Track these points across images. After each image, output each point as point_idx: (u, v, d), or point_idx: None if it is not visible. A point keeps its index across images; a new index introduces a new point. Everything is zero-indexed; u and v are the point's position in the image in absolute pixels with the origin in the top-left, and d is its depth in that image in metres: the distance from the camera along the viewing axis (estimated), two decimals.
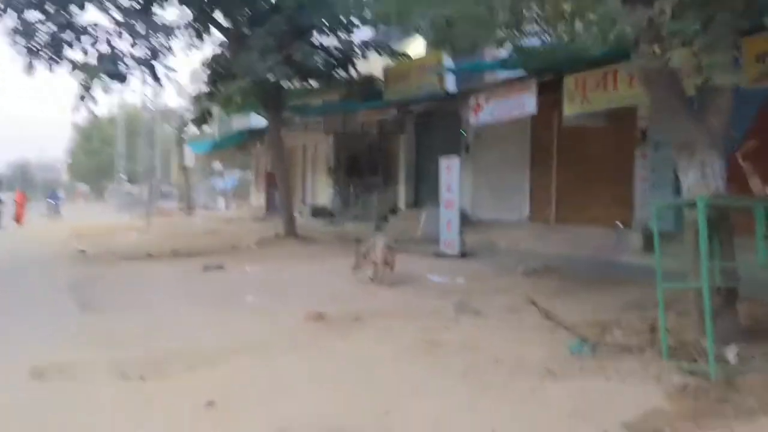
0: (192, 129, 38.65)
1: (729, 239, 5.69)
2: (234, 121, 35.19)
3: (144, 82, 16.18)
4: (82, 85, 13.85)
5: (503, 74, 13.57)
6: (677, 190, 11.67)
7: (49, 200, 32.99)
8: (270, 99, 16.40)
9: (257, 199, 34.42)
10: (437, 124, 18.85)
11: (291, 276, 11.15)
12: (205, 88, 18.99)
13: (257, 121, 30.13)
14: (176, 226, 23.64)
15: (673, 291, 8.52)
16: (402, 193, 20.45)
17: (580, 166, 13.79)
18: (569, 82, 11.11)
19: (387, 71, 16.88)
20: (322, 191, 26.03)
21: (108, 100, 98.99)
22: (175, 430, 4.18)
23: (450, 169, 13.45)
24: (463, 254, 13.04)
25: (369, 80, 17.83)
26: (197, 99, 19.44)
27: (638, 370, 5.18)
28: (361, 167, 22.65)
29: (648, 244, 11.59)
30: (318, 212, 24.45)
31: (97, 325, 7.32)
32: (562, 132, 14.18)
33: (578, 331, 6.17)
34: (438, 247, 13.53)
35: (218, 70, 17.50)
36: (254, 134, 28.26)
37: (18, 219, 27.48)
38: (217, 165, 43.91)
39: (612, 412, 4.31)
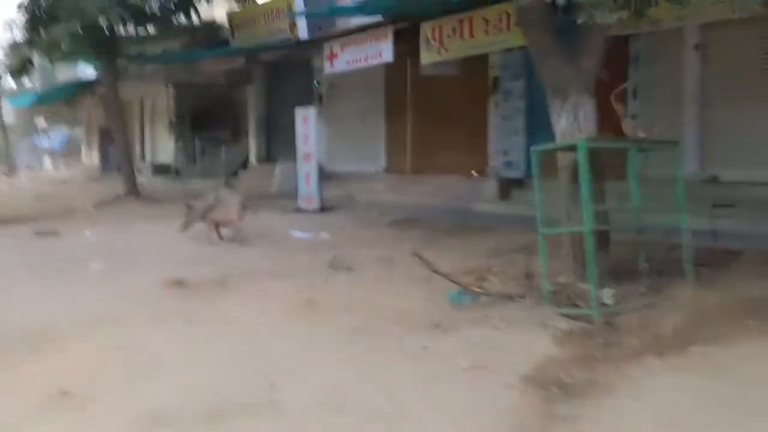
0: (9, 81, 34.80)
1: (599, 183, 5.76)
2: (60, 73, 32.00)
3: None
4: None
5: (358, 21, 13.12)
6: (530, 137, 12.07)
7: None
8: (102, 46, 14.85)
9: (90, 157, 31.77)
10: (289, 73, 18.12)
11: (137, 239, 10.23)
12: (23, 35, 16.96)
13: (87, 72, 27.62)
14: None
15: (532, 236, 8.77)
16: (253, 147, 19.61)
17: (434, 115, 13.78)
18: (426, 29, 10.92)
19: (232, 17, 15.84)
20: (164, 147, 24.43)
21: None
22: (22, 430, 3.51)
23: (306, 121, 12.96)
24: (323, 209, 12.69)
25: (213, 27, 16.70)
26: (15, 47, 17.28)
27: (523, 317, 5.14)
28: (205, 120, 21.38)
29: (503, 192, 11.92)
30: (160, 170, 22.96)
31: None
32: (417, 81, 14.07)
33: (457, 281, 6.04)
34: (296, 203, 13.08)
35: (39, 14, 15.61)
36: (84, 86, 25.84)
37: None
38: (41, 121, 40.02)
39: (508, 363, 4.19)
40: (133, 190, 15.15)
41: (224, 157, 20.34)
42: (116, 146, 15.65)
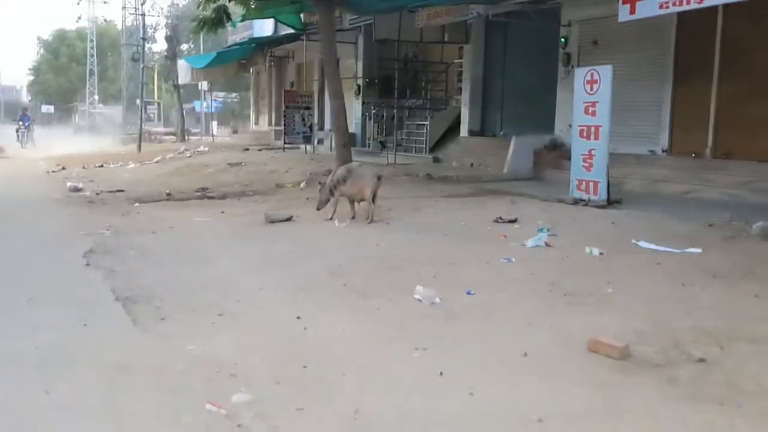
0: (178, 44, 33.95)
1: None
2: (225, 36, 30.59)
3: None
4: None
5: None
6: None
7: (21, 123, 27.95)
8: None
9: (259, 123, 30.26)
10: (518, 29, 14.96)
11: (409, 235, 7.56)
12: None
13: (260, 31, 25.80)
14: (181, 157, 19.63)
15: None
16: (465, 117, 16.68)
17: (763, 79, 10.22)
18: None
19: None
20: (348, 116, 22.06)
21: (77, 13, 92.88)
22: None
23: (595, 83, 9.77)
24: (611, 201, 9.54)
25: None
26: None
27: None
28: (404, 84, 18.50)
29: None
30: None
31: (183, 364, 3.72)
32: (735, 32, 10.56)
33: None
34: (571, 191, 10.01)
35: None
36: (261, 47, 24.00)
37: None
38: (204, 85, 39.31)
39: None
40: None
41: (428, 128, 17.56)
42: (332, 110, 13.11)
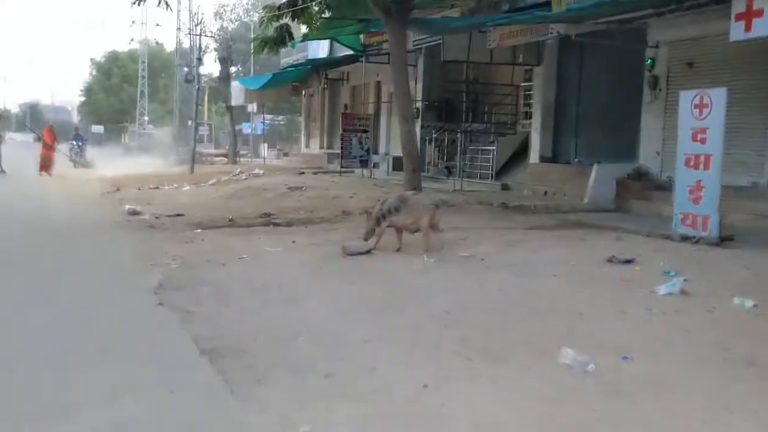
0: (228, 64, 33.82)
1: None
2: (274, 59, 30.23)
3: None
4: None
5: None
6: None
7: (74, 143, 27.84)
8: (394, 2, 11.61)
9: (311, 146, 29.77)
10: (594, 49, 14.05)
11: (512, 276, 6.68)
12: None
13: (315, 53, 25.41)
14: (237, 179, 19.09)
15: None
16: (535, 142, 15.79)
17: None
18: None
19: None
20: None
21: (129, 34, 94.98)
22: None
23: (705, 107, 8.83)
24: (723, 238, 8.51)
25: None
26: (272, 16, 14.76)
27: None
28: (467, 107, 17.61)
29: None
30: (399, 164, 19.86)
31: None
32: None
33: None
34: (675, 225, 9.00)
35: None
36: (317, 68, 23.52)
37: (45, 167, 21.89)
38: (252, 107, 39.13)
39: None
40: (418, 190, 11.85)
41: (494, 153, 16.70)
42: (402, 132, 12.35)
